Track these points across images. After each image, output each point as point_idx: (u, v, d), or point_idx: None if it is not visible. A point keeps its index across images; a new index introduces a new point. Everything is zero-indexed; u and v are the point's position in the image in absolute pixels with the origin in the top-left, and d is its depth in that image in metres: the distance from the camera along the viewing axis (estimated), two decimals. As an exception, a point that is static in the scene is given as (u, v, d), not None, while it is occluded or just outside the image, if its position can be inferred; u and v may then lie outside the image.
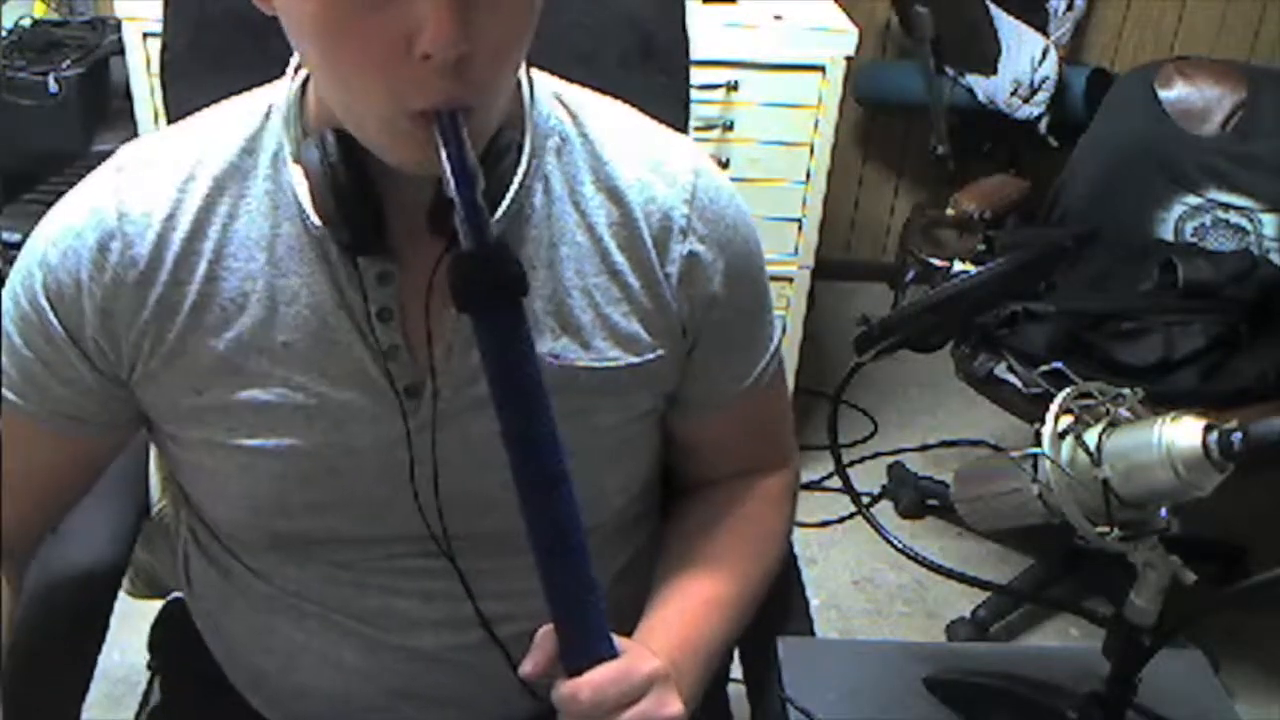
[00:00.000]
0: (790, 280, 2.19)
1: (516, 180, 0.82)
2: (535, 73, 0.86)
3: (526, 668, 0.77)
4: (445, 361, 0.83)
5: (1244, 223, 2.11)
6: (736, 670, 1.02)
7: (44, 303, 0.82)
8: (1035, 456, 0.78)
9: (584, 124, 0.87)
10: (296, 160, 0.80)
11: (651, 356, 0.87)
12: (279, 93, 0.83)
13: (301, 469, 0.84)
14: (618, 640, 0.78)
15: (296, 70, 0.83)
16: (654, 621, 0.89)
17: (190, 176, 0.82)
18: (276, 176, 0.81)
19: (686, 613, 0.89)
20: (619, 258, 0.85)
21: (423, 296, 0.79)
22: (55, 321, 0.82)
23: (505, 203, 0.81)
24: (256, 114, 0.83)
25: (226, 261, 0.81)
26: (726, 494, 0.98)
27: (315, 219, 0.79)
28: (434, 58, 0.66)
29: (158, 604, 1.16)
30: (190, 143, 0.84)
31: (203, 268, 0.81)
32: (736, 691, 1.03)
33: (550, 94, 0.87)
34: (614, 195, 0.85)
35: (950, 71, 2.65)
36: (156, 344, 0.82)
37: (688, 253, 0.86)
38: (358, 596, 0.90)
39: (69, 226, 0.82)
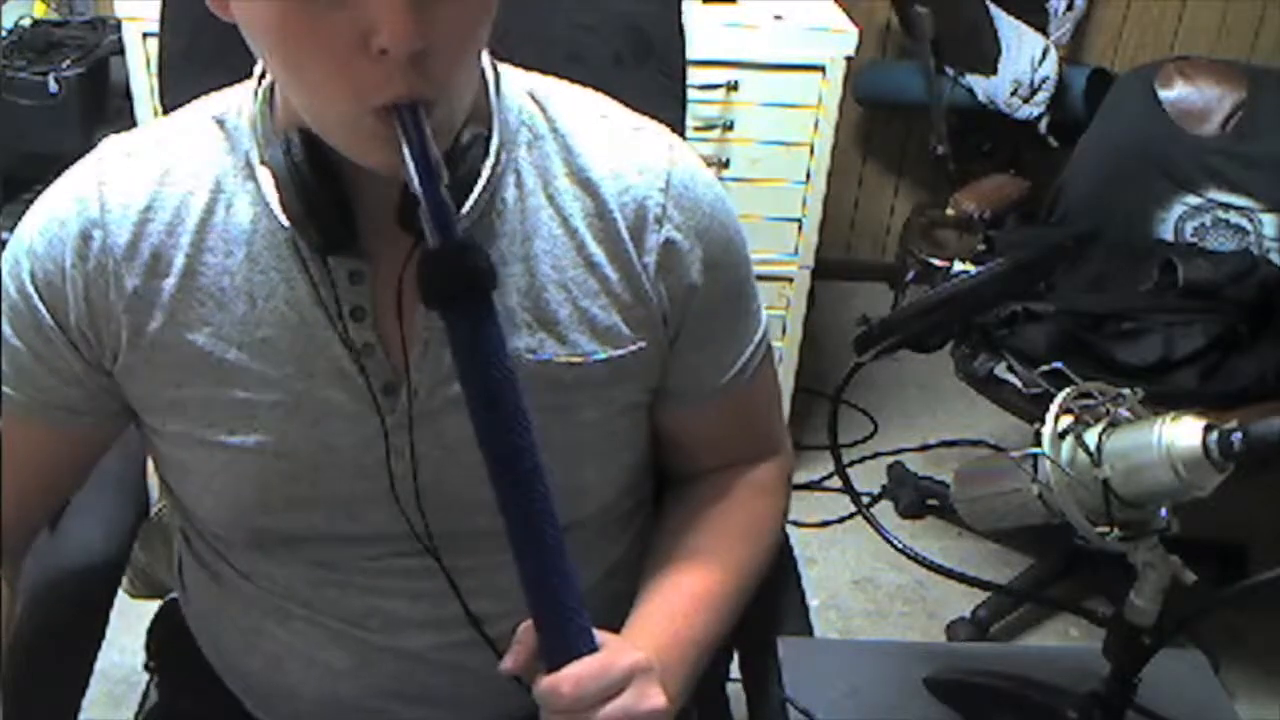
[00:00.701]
0: (790, 280, 2.19)
1: (484, 175, 0.81)
2: (505, 68, 0.86)
3: (507, 663, 0.77)
4: (420, 360, 0.82)
5: (1244, 223, 2.11)
6: (736, 670, 1.02)
7: (31, 291, 0.82)
8: (1035, 456, 0.78)
9: (555, 117, 0.86)
10: (264, 163, 0.80)
11: (631, 349, 0.86)
12: (250, 95, 0.83)
13: (281, 466, 0.84)
14: (599, 634, 0.77)
15: (262, 75, 0.83)
16: (640, 617, 0.88)
17: (168, 170, 0.82)
18: (253, 174, 0.82)
19: (673, 608, 0.89)
20: (595, 250, 0.84)
21: (395, 295, 0.79)
22: (43, 309, 0.82)
23: (473, 197, 0.81)
24: (234, 110, 0.84)
25: (205, 256, 0.82)
26: (714, 486, 0.98)
27: (284, 220, 0.79)
28: (392, 53, 0.67)
29: (157, 604, 1.16)
30: (170, 137, 0.84)
31: (180, 261, 0.82)
32: (736, 691, 1.03)
33: (521, 89, 0.86)
34: (588, 187, 0.85)
35: (950, 71, 2.65)
36: (136, 335, 0.82)
37: (664, 241, 0.85)
38: (343, 597, 0.90)
39: (53, 216, 0.83)
